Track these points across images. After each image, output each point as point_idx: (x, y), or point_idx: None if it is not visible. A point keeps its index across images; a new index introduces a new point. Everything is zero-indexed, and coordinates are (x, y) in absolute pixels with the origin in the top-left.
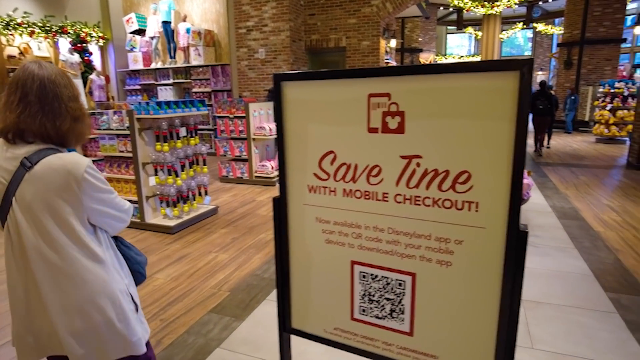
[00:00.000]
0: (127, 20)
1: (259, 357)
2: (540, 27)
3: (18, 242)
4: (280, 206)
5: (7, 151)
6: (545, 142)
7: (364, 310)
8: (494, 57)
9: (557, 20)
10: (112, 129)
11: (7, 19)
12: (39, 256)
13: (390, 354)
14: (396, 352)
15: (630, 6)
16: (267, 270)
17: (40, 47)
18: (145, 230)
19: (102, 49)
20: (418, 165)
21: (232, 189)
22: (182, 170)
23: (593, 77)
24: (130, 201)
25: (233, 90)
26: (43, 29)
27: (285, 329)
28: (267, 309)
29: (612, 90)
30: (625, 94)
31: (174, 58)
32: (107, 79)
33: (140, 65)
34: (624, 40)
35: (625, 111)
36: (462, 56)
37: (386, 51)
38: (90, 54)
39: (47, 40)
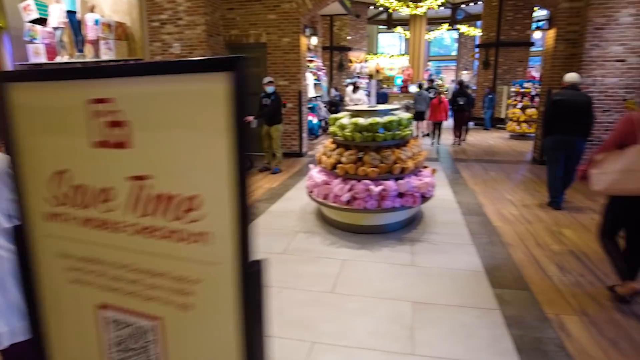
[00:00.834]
0: (25, 8)
1: None
2: (463, 28)
3: None
4: (21, 239)
5: None
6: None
7: None
8: (420, 56)
9: (478, 22)
10: None
11: None
12: None
13: None
14: None
15: (541, 12)
16: None
17: None
18: None
19: None
20: (148, 187)
21: None
22: None
23: (507, 77)
24: None
25: None
26: None
27: None
28: None
29: (522, 90)
30: (533, 93)
31: (83, 52)
32: None
33: (43, 59)
34: (533, 44)
35: (533, 109)
36: (392, 55)
37: (309, 49)
38: None
39: None
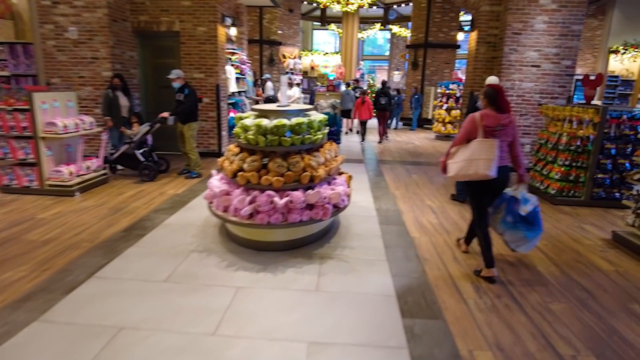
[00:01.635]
0: None
1: None
2: (395, 29)
3: None
4: None
5: None
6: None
7: None
8: (353, 55)
9: (410, 23)
10: None
11: None
12: None
13: None
14: None
15: (468, 16)
16: None
17: None
18: None
19: None
20: None
21: (13, 203)
22: None
23: (435, 78)
24: None
25: (39, 75)
26: None
27: None
28: None
29: (447, 91)
30: (458, 95)
31: None
32: None
33: None
34: (459, 47)
35: (458, 111)
36: (327, 53)
37: (232, 40)
38: None
39: None
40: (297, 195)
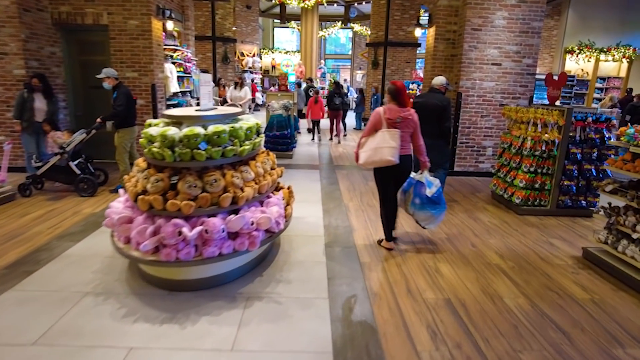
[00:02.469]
0: None
1: None
2: (356, 27)
3: None
4: None
5: None
6: (341, 134)
7: None
8: (313, 53)
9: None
10: None
11: None
12: None
13: None
14: None
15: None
16: None
17: None
18: None
19: None
20: None
21: None
22: None
23: (396, 77)
24: None
25: None
26: None
27: None
28: None
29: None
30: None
31: None
32: None
33: None
34: (420, 45)
35: None
36: (288, 51)
37: (173, 35)
38: None
39: None
40: (215, 222)
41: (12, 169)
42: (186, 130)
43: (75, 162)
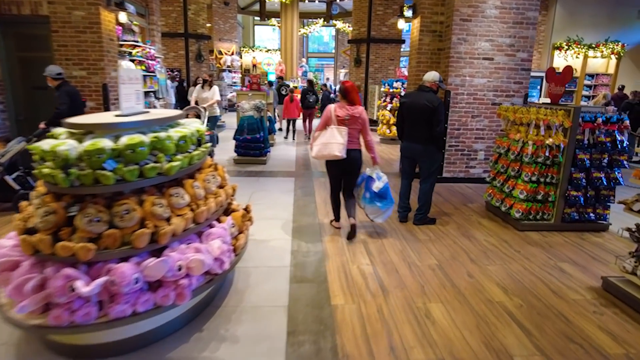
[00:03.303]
0: None
1: None
2: (339, 24)
3: None
4: None
5: None
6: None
7: None
8: (294, 51)
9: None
10: None
11: None
12: None
13: None
14: None
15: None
16: None
17: None
18: None
19: None
20: None
21: None
22: None
23: (379, 75)
24: None
25: None
26: None
27: None
28: None
29: (391, 90)
30: (402, 94)
31: None
32: None
33: None
34: (404, 41)
35: None
36: (269, 50)
37: (132, 30)
38: None
39: None
40: (124, 271)
41: None
42: (87, 145)
43: (13, 176)
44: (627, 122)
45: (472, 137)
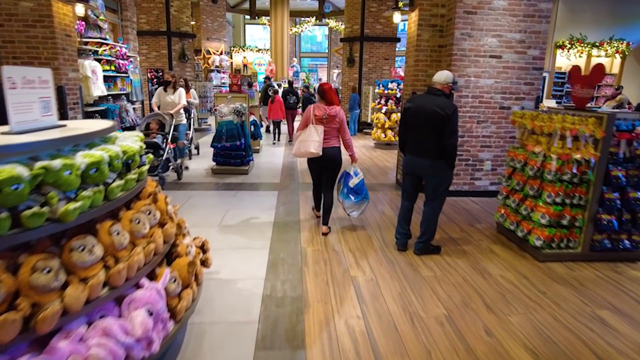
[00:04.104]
0: None
1: None
2: (332, 23)
3: None
4: None
5: None
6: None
7: None
8: (284, 51)
9: None
10: None
11: None
12: None
13: None
14: None
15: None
16: None
17: None
18: None
19: None
20: None
21: None
22: None
23: (373, 76)
24: None
25: None
26: None
27: None
28: None
29: (386, 92)
30: (398, 95)
31: None
32: None
33: None
34: (399, 40)
35: (399, 114)
36: (260, 49)
37: (99, 26)
38: None
39: None
40: None
41: None
42: None
43: None
44: None
45: (477, 146)
